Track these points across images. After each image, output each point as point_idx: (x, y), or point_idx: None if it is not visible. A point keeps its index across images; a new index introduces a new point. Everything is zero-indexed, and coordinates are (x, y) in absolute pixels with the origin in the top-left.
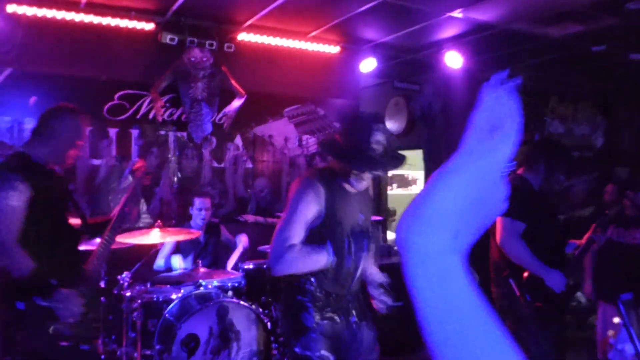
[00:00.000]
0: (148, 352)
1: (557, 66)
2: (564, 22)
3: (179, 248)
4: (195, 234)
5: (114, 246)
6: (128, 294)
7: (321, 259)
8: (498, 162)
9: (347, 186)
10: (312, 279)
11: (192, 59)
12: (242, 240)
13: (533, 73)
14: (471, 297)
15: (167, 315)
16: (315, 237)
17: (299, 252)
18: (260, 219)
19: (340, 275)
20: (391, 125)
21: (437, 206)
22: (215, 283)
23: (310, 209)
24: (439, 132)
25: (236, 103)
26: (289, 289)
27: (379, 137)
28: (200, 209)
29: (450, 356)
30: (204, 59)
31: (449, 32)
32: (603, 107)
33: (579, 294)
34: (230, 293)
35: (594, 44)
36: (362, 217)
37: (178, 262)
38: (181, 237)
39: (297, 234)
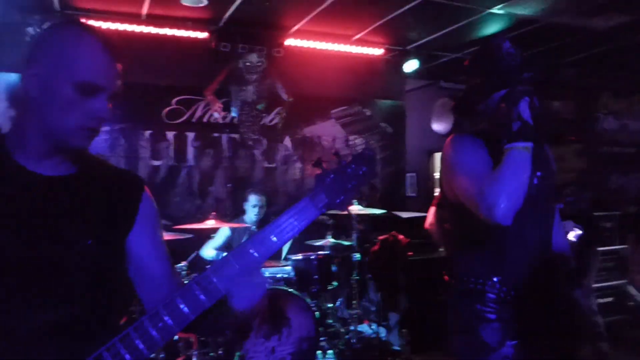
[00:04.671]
0: (203, 338)
1: (606, 60)
2: (608, 13)
3: (230, 244)
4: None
5: (170, 237)
6: (185, 282)
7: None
8: None
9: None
10: (495, 278)
11: (248, 64)
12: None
13: (581, 68)
14: None
15: None
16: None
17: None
18: None
19: (525, 266)
20: (438, 126)
21: None
22: (267, 273)
23: (480, 155)
24: None
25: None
26: (460, 294)
27: (506, 48)
28: (254, 206)
29: None
30: (259, 63)
31: (491, 28)
32: None
33: (634, 291)
34: (281, 282)
35: None
36: (540, 173)
37: None
38: (235, 225)
39: (484, 172)
